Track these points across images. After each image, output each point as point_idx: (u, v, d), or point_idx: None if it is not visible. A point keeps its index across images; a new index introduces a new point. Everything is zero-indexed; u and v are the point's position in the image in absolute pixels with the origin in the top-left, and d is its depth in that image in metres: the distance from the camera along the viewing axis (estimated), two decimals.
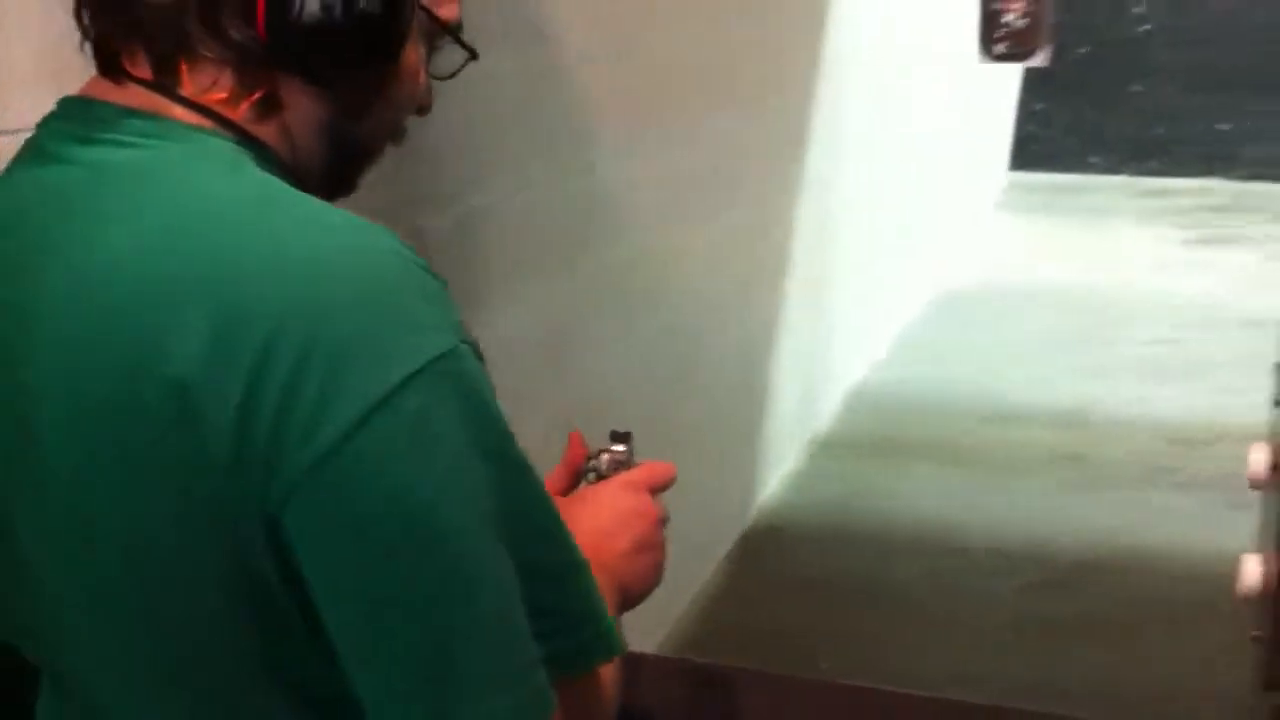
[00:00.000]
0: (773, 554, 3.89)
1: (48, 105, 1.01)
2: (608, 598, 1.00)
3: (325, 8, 0.93)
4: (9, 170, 1.00)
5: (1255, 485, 1.54)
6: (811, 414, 4.67)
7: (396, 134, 1.08)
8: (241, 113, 0.95)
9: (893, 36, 5.38)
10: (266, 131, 0.97)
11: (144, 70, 0.96)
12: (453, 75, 1.12)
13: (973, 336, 5.82)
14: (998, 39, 4.40)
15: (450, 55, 1.11)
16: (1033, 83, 8.28)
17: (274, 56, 0.94)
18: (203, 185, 0.91)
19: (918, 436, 4.75)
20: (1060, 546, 3.90)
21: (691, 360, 3.46)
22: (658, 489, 1.20)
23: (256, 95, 0.95)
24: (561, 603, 0.93)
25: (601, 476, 1.22)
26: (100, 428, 0.87)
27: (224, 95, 0.95)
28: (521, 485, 0.91)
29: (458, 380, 0.87)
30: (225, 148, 0.94)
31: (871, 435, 4.76)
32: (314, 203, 0.92)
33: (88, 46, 0.99)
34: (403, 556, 0.85)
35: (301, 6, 0.93)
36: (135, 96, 0.96)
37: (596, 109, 2.78)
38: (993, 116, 8.15)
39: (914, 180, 5.93)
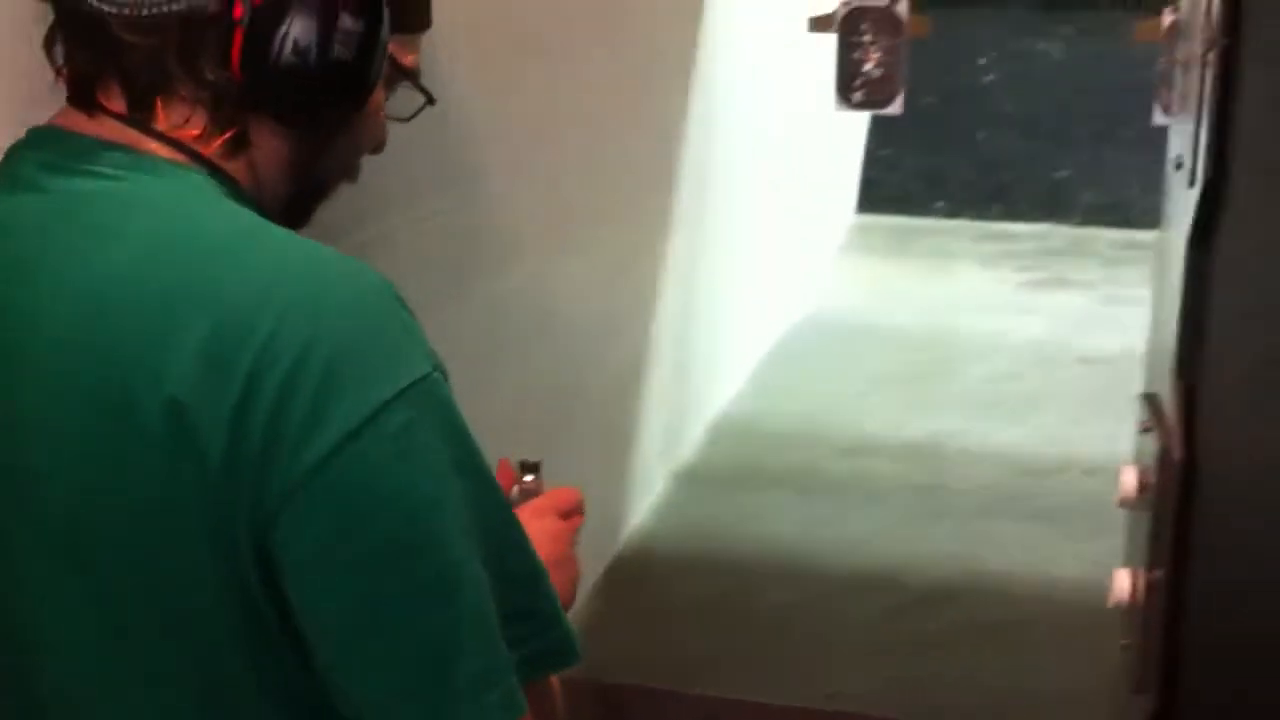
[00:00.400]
0: (641, 581, 3.99)
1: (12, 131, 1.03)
2: None
3: (300, 54, 0.98)
4: None
5: (1125, 504, 1.69)
6: (676, 444, 4.78)
7: (352, 171, 1.14)
8: (213, 149, 1.00)
9: (757, 82, 5.56)
10: (234, 167, 1.01)
11: (118, 104, 0.99)
12: (411, 118, 1.19)
13: (825, 371, 6.00)
14: (856, 88, 4.56)
15: (406, 97, 1.19)
16: (880, 129, 8.54)
17: (247, 97, 0.99)
18: (188, 214, 0.95)
19: (777, 466, 4.89)
20: (916, 571, 4.07)
21: (566, 391, 3.54)
22: (565, 512, 1.27)
23: (228, 134, 1.00)
24: (534, 607, 1.00)
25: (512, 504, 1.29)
26: (95, 442, 0.91)
27: (197, 132, 0.99)
28: (492, 498, 0.98)
29: (436, 400, 0.94)
30: (202, 181, 0.98)
31: (733, 465, 4.88)
32: (297, 238, 0.98)
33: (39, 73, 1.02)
34: (393, 560, 0.90)
35: (278, 52, 0.98)
36: (110, 129, 0.99)
37: (481, 145, 2.86)
38: (842, 160, 8.40)
39: (771, 219, 6.11)
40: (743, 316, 5.75)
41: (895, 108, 4.78)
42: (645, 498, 4.39)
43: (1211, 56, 1.45)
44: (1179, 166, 1.60)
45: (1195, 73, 1.53)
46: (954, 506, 4.60)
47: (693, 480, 4.71)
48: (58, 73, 1.02)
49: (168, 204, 0.95)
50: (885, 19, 4.58)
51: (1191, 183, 1.52)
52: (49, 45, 1.02)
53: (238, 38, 0.97)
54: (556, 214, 3.35)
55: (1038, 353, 6.30)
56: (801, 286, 7.03)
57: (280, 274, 0.92)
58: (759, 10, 5.56)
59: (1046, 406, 5.53)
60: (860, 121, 8.43)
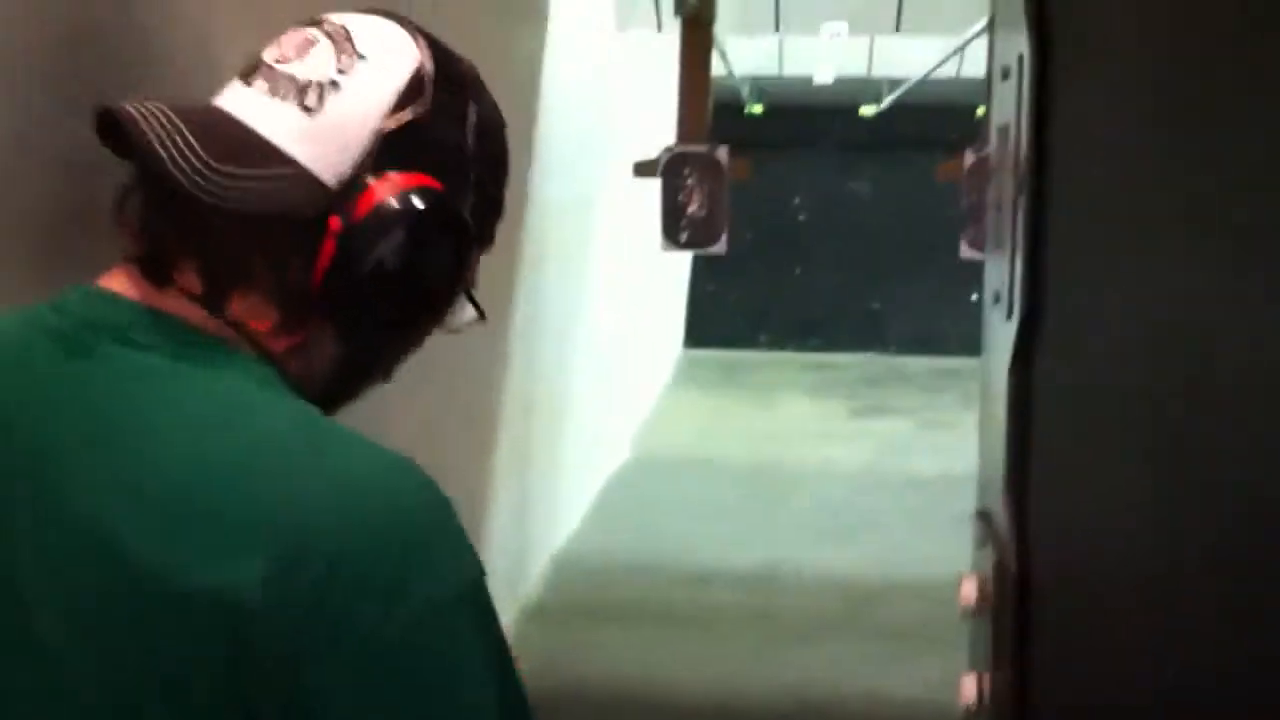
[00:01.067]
0: None
1: None
2: None
3: (387, 274, 0.98)
4: (24, 350, 0.98)
5: (966, 613, 1.80)
6: (520, 582, 4.81)
7: (391, 374, 1.13)
8: (279, 346, 0.99)
9: (584, 223, 5.72)
10: (291, 361, 1.00)
11: (192, 282, 0.97)
12: (460, 330, 1.15)
13: (661, 504, 6.11)
14: (681, 228, 4.74)
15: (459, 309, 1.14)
16: (703, 266, 8.81)
17: (324, 305, 0.98)
18: (256, 411, 0.94)
19: (618, 600, 4.96)
20: (755, 698, 4.15)
21: None
22: None
23: (297, 338, 0.99)
24: None
25: None
26: (141, 636, 0.89)
27: (266, 327, 0.98)
28: (517, 685, 0.98)
29: (479, 601, 0.95)
30: (267, 375, 0.97)
31: (576, 601, 4.93)
32: (352, 434, 0.96)
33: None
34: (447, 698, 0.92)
35: (366, 269, 0.97)
36: (182, 306, 0.97)
37: None
38: (667, 298, 8.62)
39: (600, 359, 6.24)
40: (579, 452, 5.83)
41: (719, 247, 4.97)
42: None
43: (1022, 199, 1.60)
44: (997, 300, 1.74)
45: (1008, 213, 1.68)
46: (789, 632, 4.71)
47: (538, 618, 4.74)
48: (129, 241, 0.99)
49: (232, 402, 0.94)
50: (707, 164, 4.78)
51: (1009, 315, 1.66)
52: (120, 205, 0.99)
53: (329, 248, 0.97)
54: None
55: (864, 478, 6.51)
56: (633, 421, 7.16)
57: (338, 508, 0.91)
58: (584, 153, 5.74)
59: (874, 530, 5.71)
60: (684, 260, 8.68)
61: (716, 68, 6.47)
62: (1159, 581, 1.37)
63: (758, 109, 9.21)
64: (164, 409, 0.93)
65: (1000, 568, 1.65)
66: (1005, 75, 1.71)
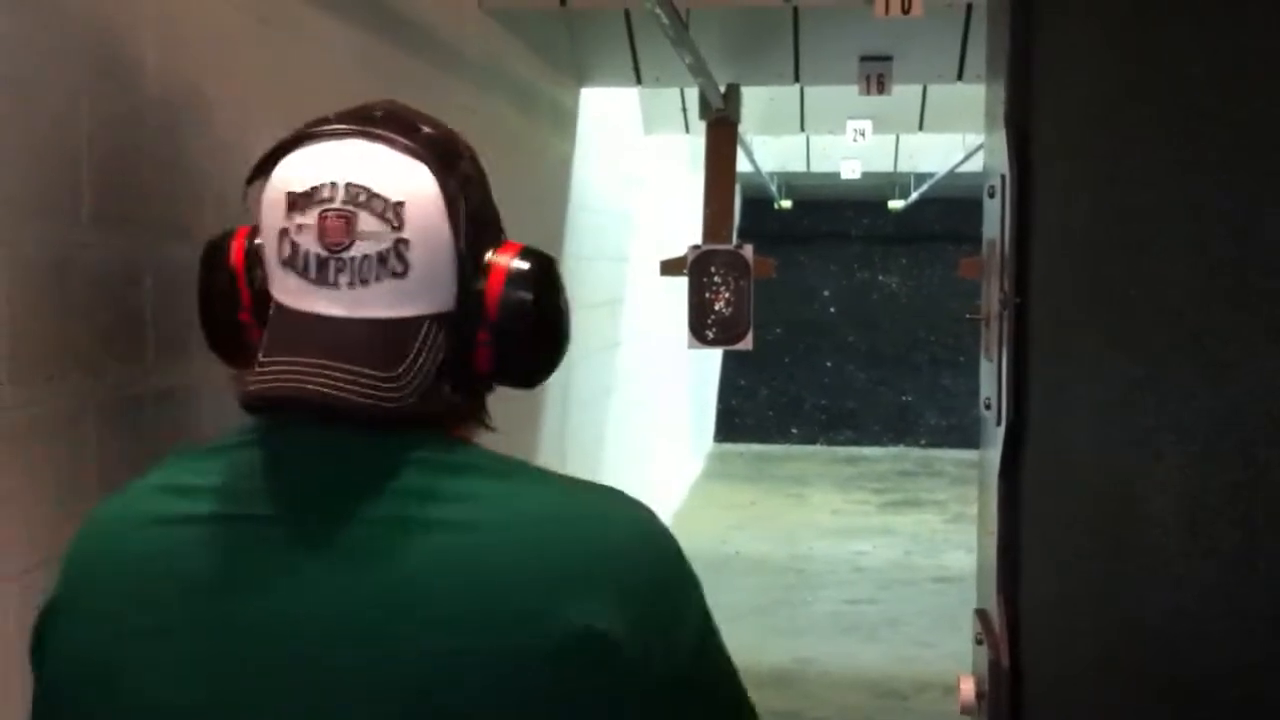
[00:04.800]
0: None
1: None
2: None
3: (536, 340, 1.14)
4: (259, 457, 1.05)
5: (966, 712, 1.85)
6: None
7: None
8: (462, 430, 1.12)
9: (614, 321, 5.81)
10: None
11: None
12: None
13: None
14: (709, 325, 4.83)
15: None
16: (734, 361, 8.89)
17: (489, 388, 1.15)
18: (527, 489, 1.07)
19: None
20: None
21: None
22: None
23: (474, 412, 1.14)
24: None
25: None
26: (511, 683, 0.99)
27: (454, 419, 1.11)
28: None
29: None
30: (496, 456, 1.10)
31: None
32: (588, 487, 1.13)
33: None
34: (727, 688, 1.11)
35: (523, 351, 1.13)
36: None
37: None
38: (700, 392, 8.69)
39: (630, 457, 6.30)
40: None
41: (746, 344, 5.05)
42: None
43: (1007, 314, 1.68)
44: (988, 407, 1.81)
45: (996, 326, 1.76)
46: None
47: None
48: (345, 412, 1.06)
49: (502, 486, 1.06)
50: (733, 261, 4.88)
51: (999, 422, 1.73)
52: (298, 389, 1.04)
53: (484, 356, 1.11)
54: None
55: (893, 574, 6.51)
56: (663, 516, 7.19)
57: (631, 535, 1.09)
58: (613, 252, 5.85)
59: (904, 627, 5.71)
60: (715, 355, 8.77)
61: (744, 164, 6.61)
62: (1142, 673, 1.43)
63: (787, 204, 9.34)
64: (452, 497, 1.04)
65: (994, 666, 1.71)
66: (991, 194, 1.79)
